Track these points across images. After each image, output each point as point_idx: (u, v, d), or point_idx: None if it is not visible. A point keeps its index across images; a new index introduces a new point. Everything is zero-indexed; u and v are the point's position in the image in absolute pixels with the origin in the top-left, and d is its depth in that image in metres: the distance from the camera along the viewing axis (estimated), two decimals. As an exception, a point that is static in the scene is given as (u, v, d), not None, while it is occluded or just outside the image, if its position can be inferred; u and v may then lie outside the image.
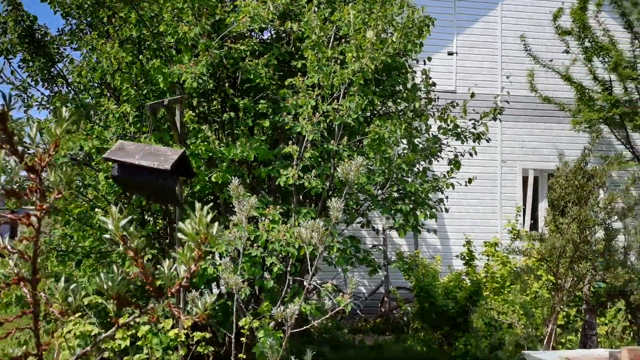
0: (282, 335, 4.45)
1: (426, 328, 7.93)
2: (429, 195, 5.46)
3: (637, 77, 10.06)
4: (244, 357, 3.54)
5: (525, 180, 11.23)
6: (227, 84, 5.45)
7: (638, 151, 10.58)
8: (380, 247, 9.93)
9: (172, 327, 4.39)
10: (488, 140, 5.57)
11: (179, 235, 1.05)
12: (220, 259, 3.32)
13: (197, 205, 1.01)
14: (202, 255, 1.00)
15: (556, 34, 10.66)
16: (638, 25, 10.22)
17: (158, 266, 1.08)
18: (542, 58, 10.85)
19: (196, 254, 1.00)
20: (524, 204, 11.13)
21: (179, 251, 1.01)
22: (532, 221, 11.06)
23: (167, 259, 1.12)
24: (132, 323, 4.21)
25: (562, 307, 5.37)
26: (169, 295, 1.07)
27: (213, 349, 4.34)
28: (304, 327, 3.15)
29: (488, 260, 8.74)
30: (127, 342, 4.18)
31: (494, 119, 5.50)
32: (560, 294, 5.29)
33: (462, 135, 5.48)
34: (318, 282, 6.32)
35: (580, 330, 5.67)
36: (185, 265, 1.02)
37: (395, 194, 5.44)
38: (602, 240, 5.31)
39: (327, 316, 2.67)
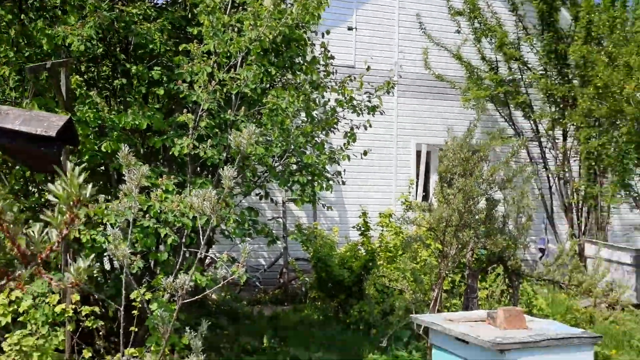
0: (176, 307, 4.39)
1: (323, 297, 8.14)
2: (327, 167, 5.56)
3: (520, 58, 10.75)
4: (136, 330, 3.46)
5: (418, 154, 11.72)
6: (118, 49, 5.19)
7: (519, 128, 11.36)
8: (280, 219, 10.01)
9: (59, 302, 4.20)
10: (382, 113, 5.73)
11: (49, 197, 1.00)
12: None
13: (69, 165, 0.97)
14: (75, 218, 0.96)
15: (449, 14, 11.12)
16: (522, 9, 10.90)
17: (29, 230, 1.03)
18: (436, 37, 11.30)
19: (68, 217, 0.96)
20: (417, 177, 11.63)
21: (50, 214, 0.96)
22: (424, 193, 11.60)
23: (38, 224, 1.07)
24: (13, 298, 3.98)
25: (447, 273, 5.71)
26: (40, 262, 1.02)
27: (103, 323, 4.20)
28: (196, 297, 3.12)
29: (382, 230, 9.09)
30: (9, 319, 3.94)
31: (387, 92, 5.67)
32: (446, 261, 5.62)
33: (357, 108, 5.60)
34: (217, 254, 6.28)
35: (464, 294, 6.07)
36: (57, 229, 0.97)
37: (294, 166, 5.49)
38: (484, 210, 5.68)
39: (219, 285, 2.66)
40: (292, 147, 5.02)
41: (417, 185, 11.58)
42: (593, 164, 9.69)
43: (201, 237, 2.61)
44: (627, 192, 7.75)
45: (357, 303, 7.55)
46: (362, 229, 8.30)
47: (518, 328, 4.02)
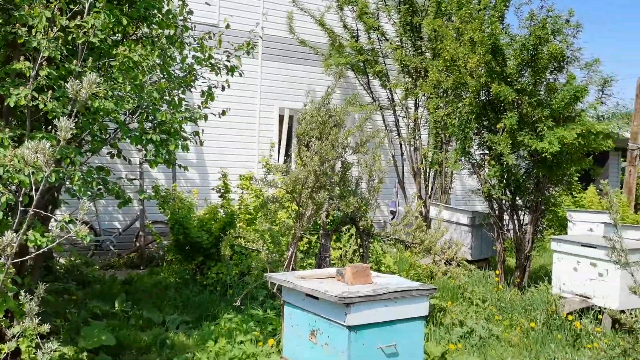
0: (12, 270, 4.09)
1: (181, 260, 8.03)
2: (184, 126, 5.41)
3: (379, 28, 11.16)
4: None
5: (281, 118, 11.83)
6: (-58, -15, 4.57)
7: (376, 96, 11.87)
8: (137, 180, 9.63)
9: None
10: (241, 75, 5.67)
11: None
12: None
13: None
14: None
15: (313, -21, 11.20)
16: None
17: None
18: (300, 2, 11.35)
19: None
20: (280, 141, 11.77)
21: None
22: (286, 157, 11.78)
23: None
24: None
25: (302, 233, 5.87)
26: None
27: None
28: (27, 257, 2.92)
29: (242, 193, 9.12)
30: None
31: (247, 53, 5.60)
32: (302, 222, 5.78)
33: (216, 67, 5.48)
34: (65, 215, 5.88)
35: (317, 253, 6.31)
36: None
37: (149, 124, 5.27)
38: (338, 172, 5.90)
39: (54, 244, 2.51)
40: (146, 103, 4.81)
41: (279, 149, 11.73)
42: (440, 132, 10.42)
43: (34, 193, 2.43)
44: (467, 159, 8.45)
45: (216, 265, 7.55)
46: (222, 191, 8.25)
47: (364, 283, 4.28)
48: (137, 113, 4.92)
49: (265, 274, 5.00)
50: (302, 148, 5.92)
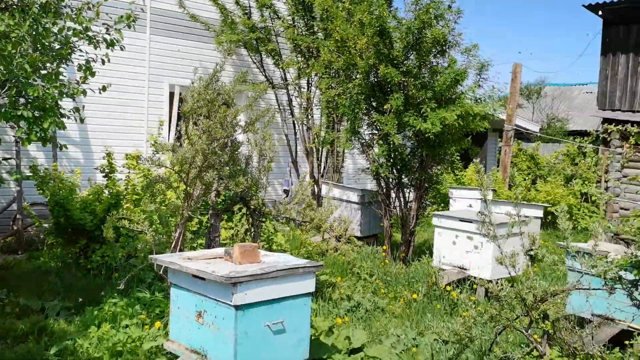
0: None
1: (62, 243, 7.63)
2: (64, 103, 5.09)
3: (272, 6, 11.07)
4: None
5: (172, 95, 11.46)
6: None
7: (270, 75, 11.82)
8: (13, 159, 8.98)
9: None
10: (122, 49, 5.40)
11: None
12: None
13: None
14: None
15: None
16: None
17: None
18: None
19: None
20: (170, 119, 11.42)
21: None
22: (177, 135, 11.45)
23: None
24: None
25: (191, 213, 5.77)
26: None
27: None
28: None
29: (129, 173, 8.77)
30: None
31: (129, 26, 5.35)
32: (190, 202, 5.68)
33: (94, 40, 5.20)
34: None
35: (207, 233, 6.24)
36: None
37: (22, 100, 4.91)
38: (228, 152, 5.83)
39: None
40: (16, 77, 4.47)
41: (169, 127, 11.38)
42: (332, 112, 10.58)
43: None
44: (357, 139, 8.66)
45: (101, 248, 7.25)
46: (107, 170, 7.88)
47: (252, 262, 4.29)
48: (6, 87, 4.57)
49: (150, 255, 4.87)
50: (189, 126, 5.80)
